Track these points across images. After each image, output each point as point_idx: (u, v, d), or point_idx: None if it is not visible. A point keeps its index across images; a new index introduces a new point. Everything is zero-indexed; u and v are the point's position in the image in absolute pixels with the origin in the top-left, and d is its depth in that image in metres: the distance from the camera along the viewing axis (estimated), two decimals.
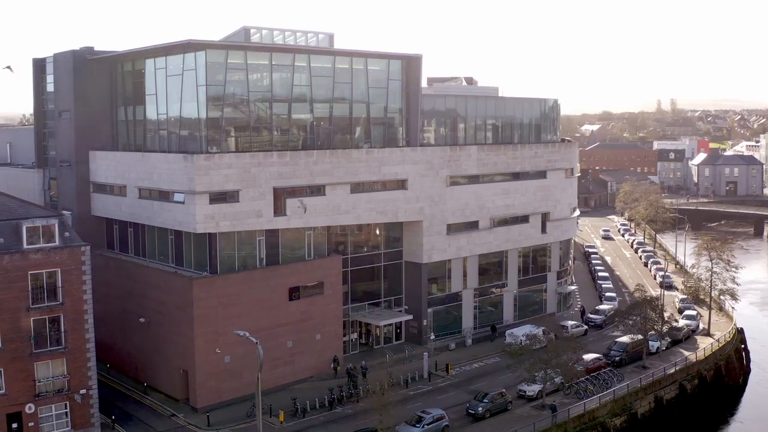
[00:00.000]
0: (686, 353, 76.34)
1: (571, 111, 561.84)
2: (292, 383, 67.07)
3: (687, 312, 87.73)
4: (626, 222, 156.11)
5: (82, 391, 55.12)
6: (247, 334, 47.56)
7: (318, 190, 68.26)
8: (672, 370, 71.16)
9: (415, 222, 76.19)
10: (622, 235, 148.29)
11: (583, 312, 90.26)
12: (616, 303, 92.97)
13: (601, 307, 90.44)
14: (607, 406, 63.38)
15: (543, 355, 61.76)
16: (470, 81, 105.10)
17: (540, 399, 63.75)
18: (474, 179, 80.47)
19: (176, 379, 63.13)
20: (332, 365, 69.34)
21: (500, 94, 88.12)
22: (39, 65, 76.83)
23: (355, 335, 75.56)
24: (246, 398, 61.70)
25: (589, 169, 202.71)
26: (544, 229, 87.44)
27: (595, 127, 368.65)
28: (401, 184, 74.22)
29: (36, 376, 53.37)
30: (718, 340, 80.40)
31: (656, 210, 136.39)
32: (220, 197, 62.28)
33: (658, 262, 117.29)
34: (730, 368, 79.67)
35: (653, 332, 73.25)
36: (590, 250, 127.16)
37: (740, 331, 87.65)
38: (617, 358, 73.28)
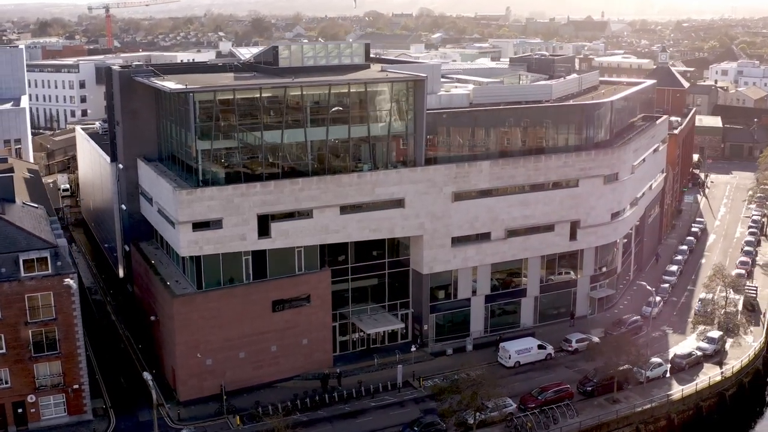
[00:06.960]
0: (676, 387, 75.46)
1: None
2: (279, 381, 76.50)
3: (709, 333, 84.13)
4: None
5: (75, 386, 68.43)
6: (150, 378, 57.27)
7: (304, 214, 74.94)
8: (628, 412, 70.78)
9: (417, 235, 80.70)
10: (755, 204, 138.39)
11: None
12: (654, 310, 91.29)
13: (636, 317, 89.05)
14: None
15: (464, 397, 65.37)
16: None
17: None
18: (486, 193, 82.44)
19: (170, 372, 74.94)
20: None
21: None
22: (108, 74, 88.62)
23: (356, 335, 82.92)
24: (229, 394, 72.29)
25: (755, 118, 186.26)
26: (573, 237, 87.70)
27: None
28: (398, 203, 78.47)
29: (36, 374, 67.13)
30: (722, 373, 78.02)
31: None
32: (203, 225, 71.30)
33: (750, 253, 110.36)
34: (721, 410, 76.63)
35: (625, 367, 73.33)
36: (694, 227, 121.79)
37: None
38: (589, 389, 74.32)
